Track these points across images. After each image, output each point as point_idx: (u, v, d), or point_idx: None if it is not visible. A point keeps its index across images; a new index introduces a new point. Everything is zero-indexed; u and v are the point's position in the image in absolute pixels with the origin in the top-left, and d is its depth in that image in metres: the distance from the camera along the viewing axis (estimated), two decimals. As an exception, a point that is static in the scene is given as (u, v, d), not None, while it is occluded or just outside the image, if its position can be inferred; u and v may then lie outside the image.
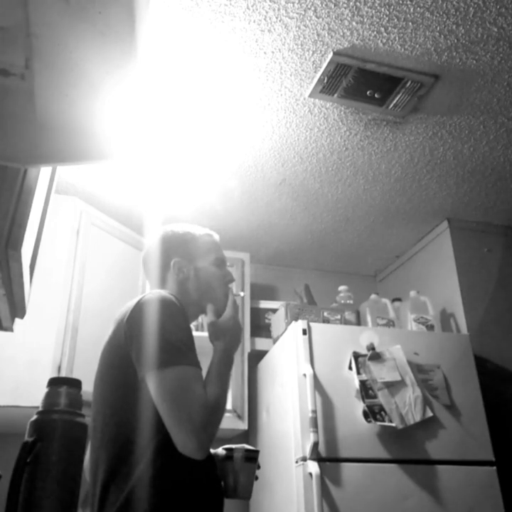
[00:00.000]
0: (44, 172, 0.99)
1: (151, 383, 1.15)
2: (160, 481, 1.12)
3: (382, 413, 2.19)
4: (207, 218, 2.89)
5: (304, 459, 2.08)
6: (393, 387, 2.25)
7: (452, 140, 2.35)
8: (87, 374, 2.15)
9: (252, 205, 2.81)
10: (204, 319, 1.80)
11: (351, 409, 2.20)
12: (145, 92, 2.03)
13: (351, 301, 2.97)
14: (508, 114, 2.20)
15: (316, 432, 2.08)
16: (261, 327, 2.97)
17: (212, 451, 1.28)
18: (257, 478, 1.33)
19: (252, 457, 1.31)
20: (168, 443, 1.12)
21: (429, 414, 2.25)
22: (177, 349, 1.19)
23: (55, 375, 2.12)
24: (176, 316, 1.26)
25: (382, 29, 1.80)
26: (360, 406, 2.20)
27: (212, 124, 2.23)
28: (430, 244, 3.09)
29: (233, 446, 1.33)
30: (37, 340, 2.16)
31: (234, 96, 2.08)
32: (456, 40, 1.84)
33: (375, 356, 2.30)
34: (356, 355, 2.30)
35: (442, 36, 1.82)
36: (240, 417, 2.57)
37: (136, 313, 1.26)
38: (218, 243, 1.55)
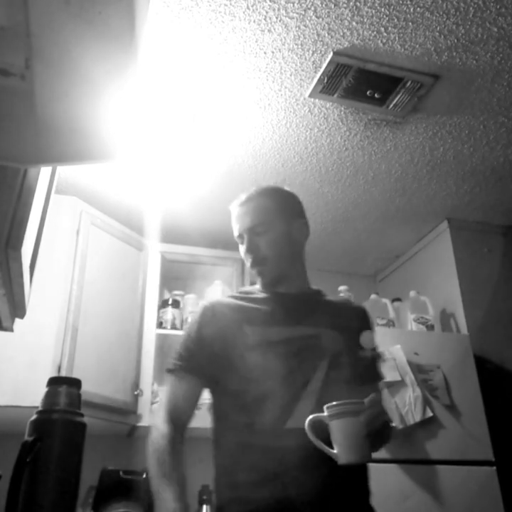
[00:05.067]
0: (44, 172, 0.99)
1: None
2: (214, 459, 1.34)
3: (382, 413, 2.19)
4: (207, 218, 2.89)
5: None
6: (393, 387, 2.25)
7: (452, 140, 2.35)
8: (87, 374, 2.16)
9: (252, 205, 2.81)
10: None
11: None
12: (145, 92, 2.03)
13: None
14: (508, 114, 2.20)
15: (316, 431, 2.08)
16: (261, 327, 2.96)
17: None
18: (368, 435, 1.05)
19: (338, 413, 1.05)
20: (214, 429, 1.35)
21: (429, 414, 2.25)
22: (177, 357, 1.32)
23: (55, 375, 2.12)
24: (190, 324, 1.38)
25: (382, 29, 1.80)
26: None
27: (213, 124, 2.23)
28: (430, 244, 3.10)
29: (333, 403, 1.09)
30: (37, 340, 2.16)
31: (234, 96, 2.08)
32: (456, 40, 1.84)
33: (375, 356, 2.30)
34: (356, 355, 2.30)
35: (442, 36, 1.82)
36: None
37: None
38: (235, 216, 1.40)
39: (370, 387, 1.29)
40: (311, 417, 1.10)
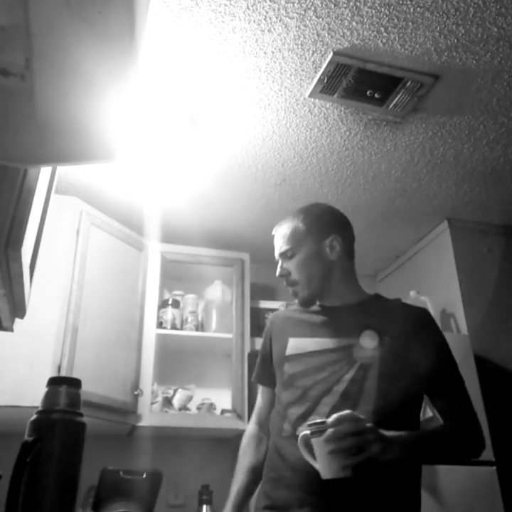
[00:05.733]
0: (44, 172, 0.99)
1: None
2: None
3: (382, 413, 2.19)
4: (207, 218, 2.90)
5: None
6: (393, 387, 2.25)
7: (452, 140, 2.35)
8: (87, 374, 2.16)
9: (252, 205, 2.81)
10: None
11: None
12: (145, 92, 2.03)
13: (351, 301, 2.97)
14: (508, 114, 2.20)
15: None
16: (261, 327, 2.96)
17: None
18: (332, 452, 1.10)
19: (313, 431, 1.13)
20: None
21: (429, 414, 2.24)
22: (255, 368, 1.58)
23: (55, 374, 2.12)
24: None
25: (382, 29, 1.80)
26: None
27: (212, 124, 2.23)
28: (430, 244, 3.09)
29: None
30: (37, 340, 2.16)
31: (234, 96, 2.08)
32: (456, 40, 1.84)
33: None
34: (356, 355, 2.29)
35: (442, 36, 1.82)
36: (240, 416, 2.57)
37: None
38: (274, 241, 1.49)
39: (439, 394, 1.32)
40: (302, 433, 1.16)
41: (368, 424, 1.10)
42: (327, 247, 1.43)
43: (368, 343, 1.30)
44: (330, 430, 1.09)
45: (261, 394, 1.54)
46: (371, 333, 1.31)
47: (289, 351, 1.39)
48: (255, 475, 1.41)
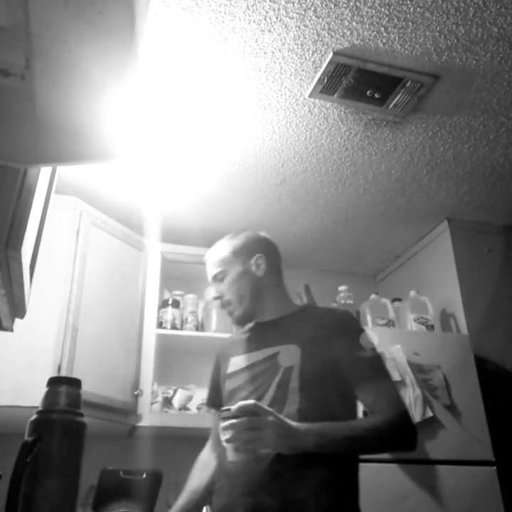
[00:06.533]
0: (44, 172, 0.99)
1: None
2: None
3: (382, 413, 2.19)
4: (207, 218, 2.89)
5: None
6: (393, 387, 2.25)
7: (452, 140, 2.35)
8: (87, 374, 2.16)
9: (252, 205, 2.81)
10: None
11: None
12: (145, 92, 2.03)
13: (351, 301, 2.97)
14: (508, 114, 2.20)
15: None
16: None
17: None
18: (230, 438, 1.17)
19: (223, 418, 1.19)
20: None
21: (429, 414, 2.25)
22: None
23: (55, 374, 2.12)
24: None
25: (382, 29, 1.80)
26: (359, 406, 2.20)
27: (212, 124, 2.23)
28: (430, 244, 3.10)
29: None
30: (37, 340, 2.16)
31: (234, 96, 2.08)
32: (456, 40, 1.84)
33: (375, 356, 2.30)
34: (356, 355, 2.30)
35: (442, 36, 1.82)
36: (239, 417, 2.56)
37: None
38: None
39: (362, 388, 1.33)
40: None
41: (270, 418, 1.16)
42: (253, 265, 1.52)
43: (291, 348, 1.38)
44: (228, 422, 1.16)
45: (213, 418, 1.57)
46: (294, 339, 1.40)
47: (229, 370, 1.49)
48: (195, 495, 1.49)
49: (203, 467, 1.53)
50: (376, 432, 1.26)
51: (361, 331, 1.42)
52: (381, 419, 1.27)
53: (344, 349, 1.35)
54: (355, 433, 1.26)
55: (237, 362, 1.48)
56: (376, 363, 1.37)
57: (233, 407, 1.16)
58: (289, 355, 1.37)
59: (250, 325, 1.56)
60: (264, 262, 1.53)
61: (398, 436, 1.29)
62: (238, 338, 1.58)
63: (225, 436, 1.16)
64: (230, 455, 1.17)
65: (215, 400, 1.55)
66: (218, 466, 1.44)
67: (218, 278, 1.52)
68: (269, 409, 1.19)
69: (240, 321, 1.53)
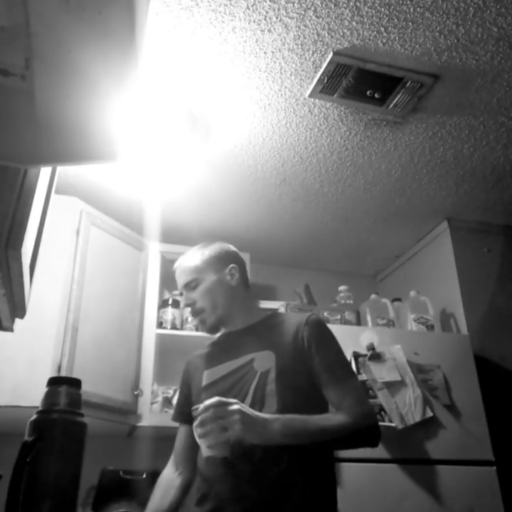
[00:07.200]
0: (44, 172, 0.99)
1: None
2: None
3: (382, 413, 2.19)
4: (207, 218, 2.89)
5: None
6: (393, 387, 2.25)
7: (452, 140, 2.35)
8: (87, 374, 2.16)
9: (252, 205, 2.81)
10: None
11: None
12: (145, 92, 2.03)
13: (351, 301, 2.97)
14: (508, 114, 2.20)
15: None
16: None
17: None
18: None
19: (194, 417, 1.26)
20: None
21: (429, 414, 2.25)
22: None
23: (55, 374, 2.12)
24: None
25: (382, 29, 1.80)
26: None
27: (213, 124, 2.23)
28: (430, 244, 3.10)
29: None
30: (37, 340, 2.16)
31: (234, 96, 2.08)
32: (456, 40, 1.84)
33: (375, 356, 2.30)
34: (356, 355, 2.30)
35: (442, 36, 1.82)
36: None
37: None
38: (175, 277, 1.62)
39: (329, 388, 1.37)
40: None
41: (234, 406, 1.20)
42: (228, 275, 1.56)
43: (266, 354, 1.43)
44: (198, 418, 1.21)
45: (178, 433, 1.59)
46: (267, 345, 1.44)
47: (204, 382, 1.51)
48: None
49: (166, 486, 1.51)
50: (341, 427, 1.30)
51: (325, 330, 1.47)
52: (346, 415, 1.31)
53: (312, 352, 1.40)
54: (321, 426, 1.30)
55: (212, 374, 1.51)
56: (339, 362, 1.43)
57: (201, 405, 1.21)
58: (265, 361, 1.42)
59: (219, 335, 1.60)
60: (237, 272, 1.58)
61: (362, 433, 1.34)
62: (210, 352, 1.60)
63: (196, 433, 1.21)
64: (205, 451, 1.22)
65: (181, 415, 1.57)
66: (198, 475, 1.45)
67: (191, 286, 1.54)
68: (234, 400, 1.23)
69: (212, 329, 1.55)
